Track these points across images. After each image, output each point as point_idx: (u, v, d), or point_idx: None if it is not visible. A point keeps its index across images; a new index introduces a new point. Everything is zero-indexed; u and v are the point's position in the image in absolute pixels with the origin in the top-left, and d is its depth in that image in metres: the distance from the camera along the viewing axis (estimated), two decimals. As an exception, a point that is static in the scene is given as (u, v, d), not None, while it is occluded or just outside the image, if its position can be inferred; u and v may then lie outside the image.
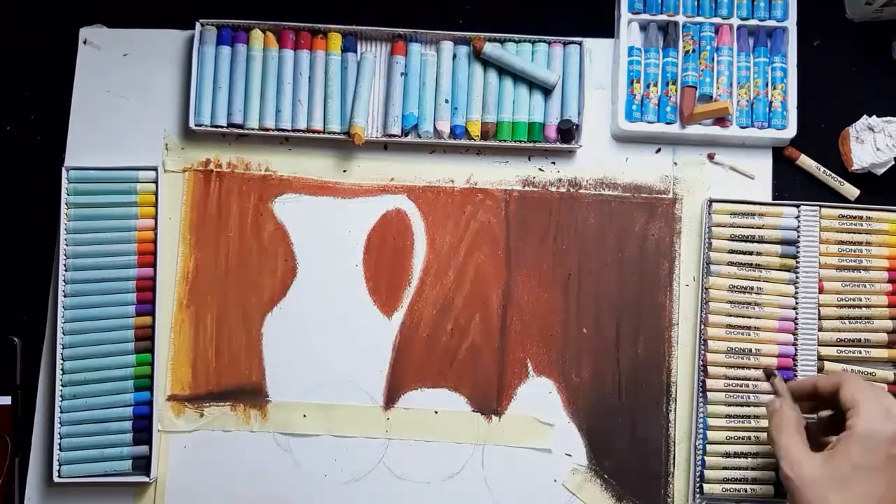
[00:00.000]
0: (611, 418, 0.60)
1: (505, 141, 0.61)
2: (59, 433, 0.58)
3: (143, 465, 0.58)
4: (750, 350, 0.59)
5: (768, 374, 0.55)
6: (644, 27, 0.62)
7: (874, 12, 0.62)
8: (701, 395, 0.59)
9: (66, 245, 0.59)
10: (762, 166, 0.62)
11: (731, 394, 0.58)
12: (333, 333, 0.61)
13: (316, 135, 0.61)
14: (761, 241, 0.60)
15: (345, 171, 0.62)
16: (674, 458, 0.59)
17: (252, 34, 0.62)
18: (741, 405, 0.58)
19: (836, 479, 0.47)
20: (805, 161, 0.62)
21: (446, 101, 0.62)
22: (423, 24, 0.62)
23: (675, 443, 0.59)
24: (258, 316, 0.61)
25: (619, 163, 0.63)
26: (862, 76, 0.64)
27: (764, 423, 0.58)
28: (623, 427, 0.59)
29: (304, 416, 0.60)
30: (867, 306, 0.59)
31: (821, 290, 0.60)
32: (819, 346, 0.59)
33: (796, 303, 0.59)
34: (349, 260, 0.61)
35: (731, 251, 0.60)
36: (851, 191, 0.62)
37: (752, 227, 0.60)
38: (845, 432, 0.48)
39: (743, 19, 0.62)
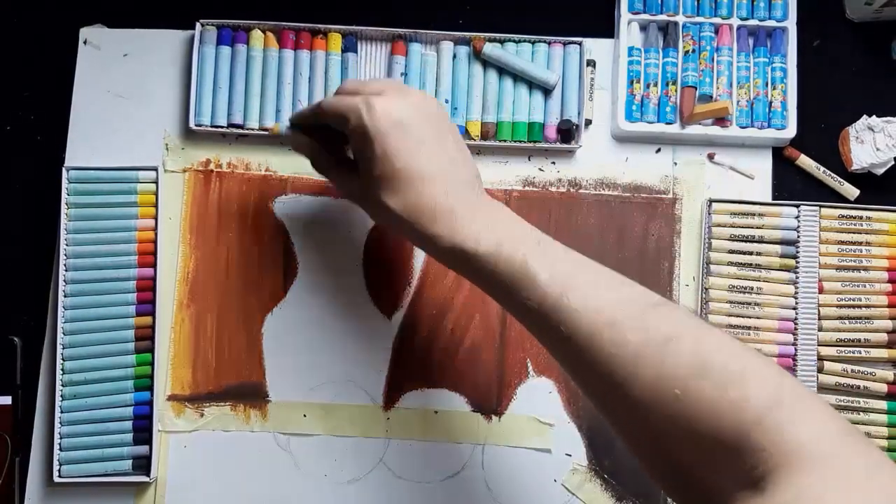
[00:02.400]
0: (611, 418, 0.60)
1: (505, 141, 0.62)
2: (60, 433, 0.58)
3: (143, 465, 0.58)
4: (750, 350, 0.59)
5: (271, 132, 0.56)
6: (644, 27, 0.63)
7: (874, 12, 0.62)
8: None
9: (67, 245, 0.59)
10: (762, 166, 0.62)
11: (731, 394, 0.58)
12: (333, 333, 0.61)
13: (316, 135, 0.62)
14: (761, 241, 0.60)
15: (345, 171, 0.62)
16: (674, 458, 0.59)
17: (252, 34, 0.62)
18: (741, 405, 0.58)
19: (374, 181, 0.48)
20: (805, 161, 0.62)
21: (446, 101, 0.62)
22: (423, 24, 0.62)
23: (674, 443, 0.59)
24: (258, 316, 0.61)
25: (619, 163, 0.63)
26: (862, 76, 0.64)
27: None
28: (623, 427, 0.59)
29: (304, 416, 0.60)
30: (867, 306, 0.59)
31: (821, 291, 0.60)
32: (819, 346, 0.59)
33: (796, 303, 0.59)
34: (349, 260, 0.61)
35: (731, 251, 0.60)
36: (851, 191, 0.62)
37: (752, 227, 0.60)
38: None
39: (743, 19, 0.62)
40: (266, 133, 0.61)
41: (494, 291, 0.46)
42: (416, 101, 0.49)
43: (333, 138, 0.53)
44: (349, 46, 0.62)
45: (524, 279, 0.44)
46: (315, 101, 0.52)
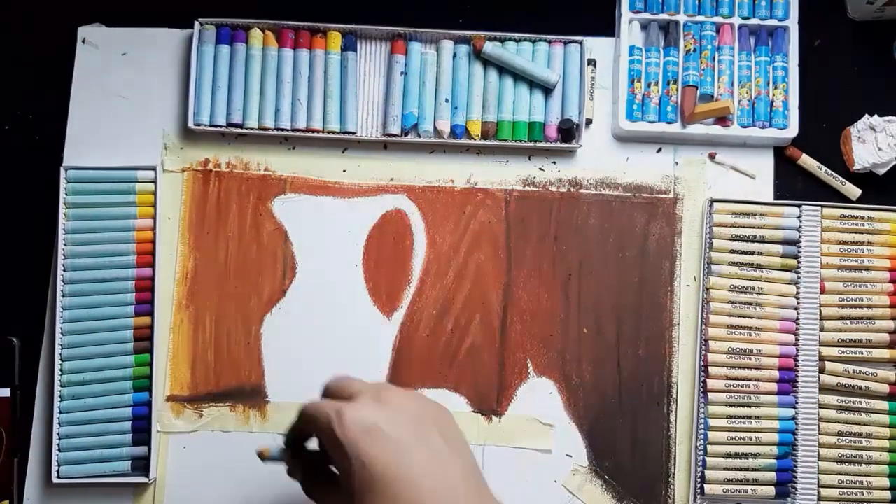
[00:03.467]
0: (611, 419, 0.59)
1: (505, 140, 0.61)
2: (58, 434, 0.58)
3: (142, 465, 0.58)
4: (751, 350, 0.59)
5: (261, 456, 0.51)
6: (645, 26, 0.62)
7: (876, 12, 0.62)
8: (702, 395, 0.59)
9: (65, 245, 0.59)
10: (763, 166, 0.62)
11: (732, 394, 0.58)
12: (333, 333, 0.60)
13: (315, 134, 0.61)
14: (762, 241, 0.60)
15: (345, 171, 0.62)
16: (674, 458, 0.59)
17: (251, 33, 0.62)
18: (742, 406, 0.58)
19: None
20: (806, 161, 0.62)
21: (446, 101, 0.61)
22: (423, 24, 0.62)
23: (675, 443, 0.59)
24: (258, 316, 0.61)
25: (619, 162, 0.62)
26: (863, 76, 0.63)
27: (766, 423, 0.58)
28: (624, 427, 0.59)
29: (304, 416, 0.59)
30: (869, 306, 0.59)
31: (822, 291, 0.59)
32: (820, 346, 0.59)
33: (797, 303, 0.59)
34: (349, 260, 0.61)
35: (733, 251, 0.60)
36: (853, 191, 0.61)
37: (754, 227, 0.60)
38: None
39: (744, 18, 0.62)
40: (265, 133, 0.61)
41: None
42: (391, 402, 0.46)
43: (323, 460, 0.50)
44: (349, 45, 0.62)
45: None
46: (298, 410, 0.49)
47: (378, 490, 0.44)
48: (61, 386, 0.58)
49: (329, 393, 0.49)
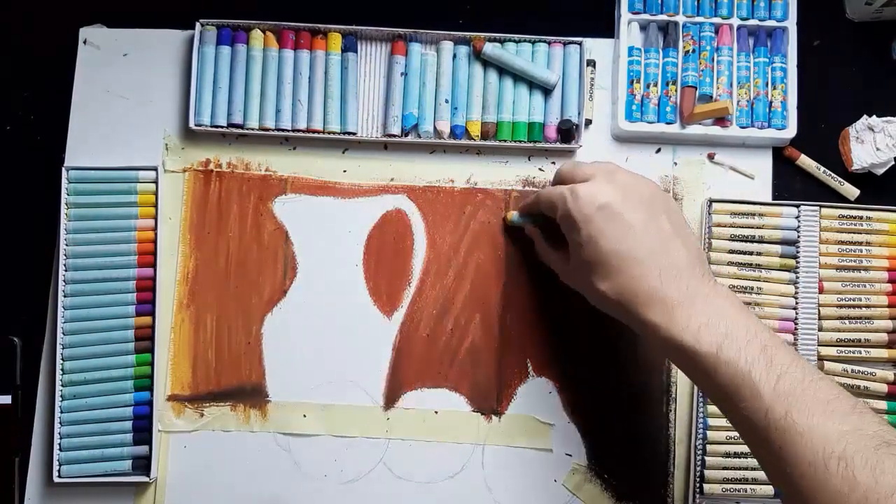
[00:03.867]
0: (611, 418, 0.60)
1: (505, 141, 0.61)
2: (59, 433, 0.58)
3: (143, 465, 0.58)
4: (750, 350, 0.59)
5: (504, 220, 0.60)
6: (644, 27, 0.62)
7: (874, 12, 0.62)
8: (701, 395, 0.59)
9: (66, 245, 0.59)
10: (762, 166, 0.62)
11: (731, 394, 0.58)
12: (333, 333, 0.61)
13: (316, 135, 0.62)
14: (761, 241, 0.60)
15: (345, 171, 0.62)
16: (674, 458, 0.59)
17: (252, 34, 0.62)
18: (741, 405, 0.58)
19: (581, 264, 0.49)
20: (805, 161, 0.62)
21: (446, 101, 0.62)
22: (423, 24, 0.62)
23: (675, 443, 0.59)
24: (258, 316, 0.61)
25: (619, 163, 0.62)
26: (862, 76, 0.64)
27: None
28: (623, 427, 0.59)
29: (304, 416, 0.60)
30: (867, 306, 0.59)
31: (821, 290, 0.60)
32: (819, 346, 0.59)
33: (796, 303, 0.59)
34: (349, 260, 0.61)
35: (731, 251, 0.60)
36: (851, 191, 0.62)
37: (752, 227, 0.60)
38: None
39: (743, 19, 0.62)
40: (266, 134, 0.61)
41: (711, 393, 0.44)
42: (624, 183, 0.48)
43: (555, 225, 0.53)
44: (349, 46, 0.62)
45: (746, 389, 0.42)
46: (534, 193, 0.54)
47: (606, 263, 0.46)
48: (62, 385, 0.58)
49: (561, 178, 0.52)
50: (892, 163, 0.60)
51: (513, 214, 0.60)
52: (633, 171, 0.51)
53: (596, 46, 0.63)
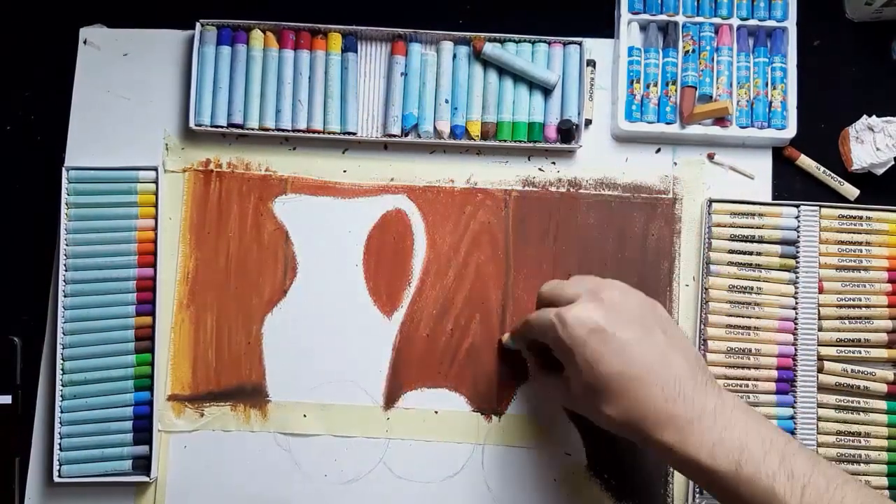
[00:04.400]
0: (611, 418, 0.60)
1: (505, 141, 0.62)
2: (60, 433, 0.58)
3: (143, 464, 0.58)
4: (750, 350, 0.59)
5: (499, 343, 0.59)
6: (644, 27, 0.63)
7: (874, 12, 0.63)
8: (701, 395, 0.59)
9: (66, 245, 0.59)
10: (762, 166, 0.62)
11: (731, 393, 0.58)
12: (333, 333, 0.61)
13: (316, 135, 0.62)
14: (761, 241, 0.60)
15: (345, 171, 0.62)
16: (674, 457, 0.59)
17: (252, 34, 0.62)
18: (741, 405, 0.58)
19: (584, 388, 0.47)
20: (805, 161, 0.62)
21: (446, 101, 0.62)
22: (423, 24, 0.62)
23: (674, 443, 0.59)
24: (258, 316, 0.61)
25: (618, 163, 0.63)
26: (862, 76, 0.64)
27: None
28: (623, 427, 0.59)
29: (304, 416, 0.60)
30: (867, 306, 0.59)
31: (821, 290, 0.60)
32: (819, 346, 0.59)
33: (796, 303, 0.59)
34: (349, 260, 0.61)
35: (731, 251, 0.60)
36: (851, 191, 0.62)
37: (752, 227, 0.60)
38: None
39: (743, 19, 0.62)
40: (266, 134, 0.61)
41: None
42: (611, 300, 0.47)
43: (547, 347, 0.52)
44: (349, 46, 0.62)
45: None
46: (522, 320, 0.53)
47: (608, 387, 0.45)
48: (62, 385, 0.58)
49: (544, 301, 0.50)
50: (892, 163, 0.60)
51: (506, 337, 0.59)
52: (615, 282, 0.49)
53: (596, 46, 0.63)
